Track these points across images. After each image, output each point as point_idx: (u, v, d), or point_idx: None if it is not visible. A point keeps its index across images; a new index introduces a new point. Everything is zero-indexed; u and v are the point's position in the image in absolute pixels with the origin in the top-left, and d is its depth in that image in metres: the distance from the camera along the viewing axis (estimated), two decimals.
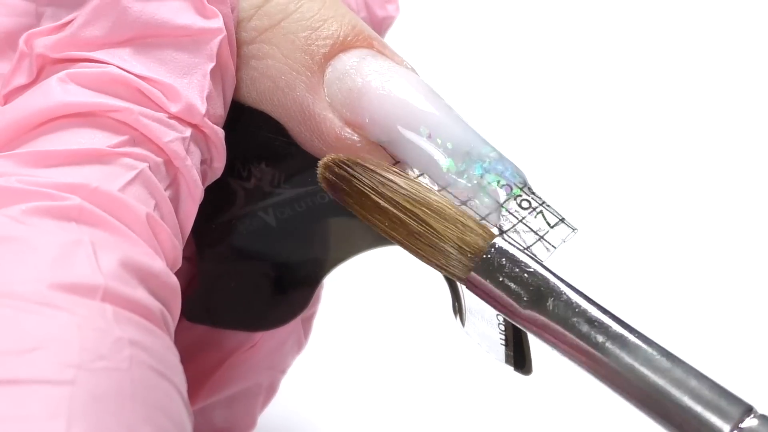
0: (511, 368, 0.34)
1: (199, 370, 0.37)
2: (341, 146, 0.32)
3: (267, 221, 0.36)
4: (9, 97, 0.31)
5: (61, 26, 0.31)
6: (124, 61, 0.31)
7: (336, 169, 0.31)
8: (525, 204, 0.31)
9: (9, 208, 0.27)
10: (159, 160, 0.30)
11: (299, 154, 0.34)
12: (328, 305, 0.43)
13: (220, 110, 0.32)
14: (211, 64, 0.31)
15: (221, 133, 0.32)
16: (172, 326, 0.29)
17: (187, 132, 0.31)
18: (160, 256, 0.29)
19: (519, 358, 0.33)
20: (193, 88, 0.31)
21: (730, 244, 0.61)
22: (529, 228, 0.31)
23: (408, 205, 0.30)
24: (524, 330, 0.29)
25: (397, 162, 0.32)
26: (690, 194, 0.63)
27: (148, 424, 0.25)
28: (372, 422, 0.53)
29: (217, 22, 0.31)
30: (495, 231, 0.30)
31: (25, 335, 0.25)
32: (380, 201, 0.30)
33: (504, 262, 0.29)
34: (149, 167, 0.30)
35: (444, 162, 0.31)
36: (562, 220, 0.31)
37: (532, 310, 0.29)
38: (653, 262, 0.61)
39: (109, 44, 0.31)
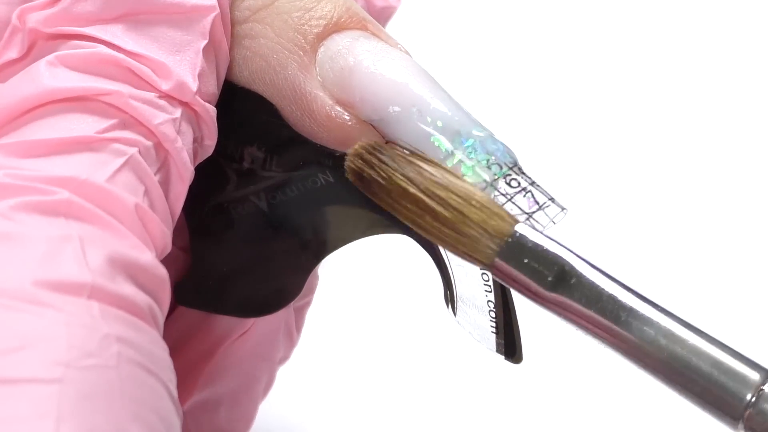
0: (502, 357, 0.34)
1: (193, 358, 0.38)
2: (332, 125, 0.32)
3: (259, 205, 0.36)
4: None
5: (54, 1, 0.32)
6: (116, 37, 0.31)
7: (365, 155, 0.31)
8: (514, 183, 0.31)
9: None
10: (149, 143, 0.30)
11: (292, 139, 0.34)
12: (321, 297, 0.42)
13: (213, 88, 0.32)
14: (204, 42, 0.32)
15: (213, 111, 0.32)
16: (161, 319, 0.29)
17: (177, 112, 0.31)
18: (149, 247, 0.29)
19: (509, 346, 0.34)
20: (185, 66, 0.31)
21: (731, 240, 0.61)
22: (518, 207, 0.31)
23: (436, 190, 0.30)
24: (551, 312, 0.30)
25: (387, 141, 0.32)
26: (690, 192, 0.63)
27: (137, 422, 0.26)
28: (365, 417, 0.53)
29: (211, 0, 0.31)
30: (519, 217, 0.30)
31: (13, 333, 0.25)
32: (408, 186, 0.31)
33: (528, 245, 0.30)
34: (139, 151, 0.30)
35: (434, 139, 0.31)
36: (552, 199, 0.31)
37: (556, 292, 0.29)
38: (652, 257, 0.60)
39: (101, 20, 0.31)
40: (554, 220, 0.30)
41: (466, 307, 0.34)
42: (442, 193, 0.30)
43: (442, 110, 0.31)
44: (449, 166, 0.31)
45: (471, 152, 0.31)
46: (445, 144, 0.31)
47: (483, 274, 0.33)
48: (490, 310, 0.33)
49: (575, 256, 0.29)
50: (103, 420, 0.25)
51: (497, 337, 0.33)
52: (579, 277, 0.29)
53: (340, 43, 0.32)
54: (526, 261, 0.29)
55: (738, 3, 0.72)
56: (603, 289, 0.29)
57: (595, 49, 0.71)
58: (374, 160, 0.31)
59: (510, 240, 0.29)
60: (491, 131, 0.31)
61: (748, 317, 0.57)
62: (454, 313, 0.35)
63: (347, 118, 0.32)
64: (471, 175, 0.31)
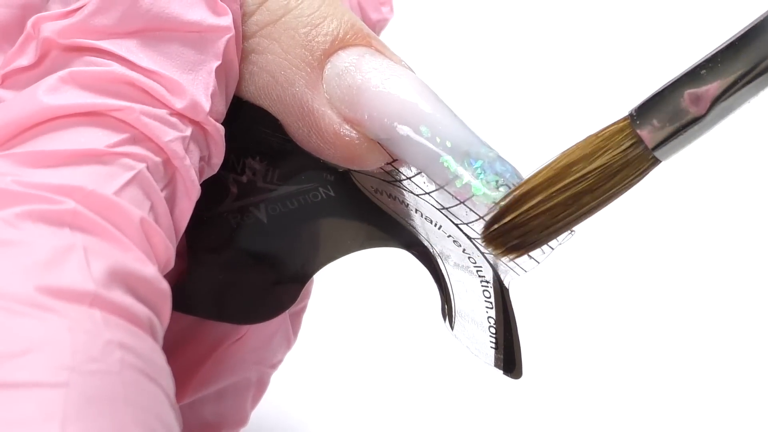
0: (501, 372, 0.34)
1: (186, 363, 0.38)
2: (340, 142, 0.32)
3: (258, 217, 0.36)
4: (7, 77, 0.31)
5: (70, 12, 0.32)
6: (131, 52, 0.31)
7: (505, 242, 0.31)
8: None
9: (3, 211, 0.28)
10: (158, 159, 0.31)
11: (294, 152, 0.34)
12: (318, 305, 0.43)
13: (222, 108, 0.33)
14: (217, 63, 0.32)
15: (222, 130, 0.32)
16: (161, 331, 0.29)
17: (188, 131, 0.31)
18: (152, 261, 0.29)
19: (509, 362, 0.34)
20: (198, 85, 0.31)
21: (730, 243, 0.62)
22: None
23: (567, 173, 0.31)
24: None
25: (395, 160, 0.32)
26: (691, 194, 0.64)
27: (140, 427, 0.26)
28: (363, 421, 0.53)
29: (227, 20, 0.32)
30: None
31: (17, 338, 0.25)
32: (552, 202, 0.31)
33: (652, 116, 0.30)
34: (147, 167, 0.30)
35: (443, 160, 0.31)
36: None
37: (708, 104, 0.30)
38: (652, 262, 0.61)
39: (117, 34, 0.31)
40: (561, 241, 0.31)
41: (464, 321, 0.35)
42: (574, 170, 0.30)
43: (452, 130, 0.32)
44: (458, 186, 0.31)
45: (480, 173, 0.31)
46: (454, 164, 0.31)
47: (484, 291, 0.34)
48: (490, 326, 0.34)
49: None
50: (107, 424, 0.25)
51: (496, 353, 0.34)
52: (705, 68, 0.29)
53: (346, 60, 0.32)
54: (661, 125, 0.30)
55: (738, 3, 0.72)
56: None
57: (586, 57, 0.71)
58: (514, 219, 0.31)
59: (636, 121, 0.30)
60: (498, 152, 0.32)
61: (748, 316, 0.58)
62: (452, 327, 0.35)
63: (355, 136, 0.32)
64: (480, 195, 0.31)
